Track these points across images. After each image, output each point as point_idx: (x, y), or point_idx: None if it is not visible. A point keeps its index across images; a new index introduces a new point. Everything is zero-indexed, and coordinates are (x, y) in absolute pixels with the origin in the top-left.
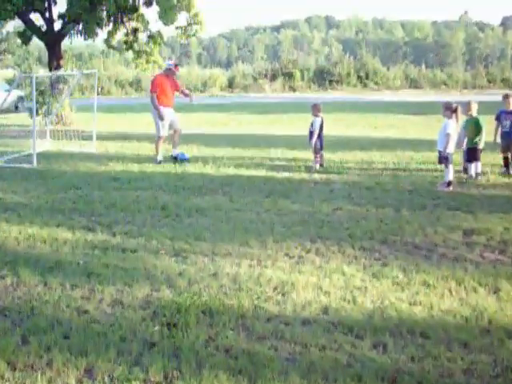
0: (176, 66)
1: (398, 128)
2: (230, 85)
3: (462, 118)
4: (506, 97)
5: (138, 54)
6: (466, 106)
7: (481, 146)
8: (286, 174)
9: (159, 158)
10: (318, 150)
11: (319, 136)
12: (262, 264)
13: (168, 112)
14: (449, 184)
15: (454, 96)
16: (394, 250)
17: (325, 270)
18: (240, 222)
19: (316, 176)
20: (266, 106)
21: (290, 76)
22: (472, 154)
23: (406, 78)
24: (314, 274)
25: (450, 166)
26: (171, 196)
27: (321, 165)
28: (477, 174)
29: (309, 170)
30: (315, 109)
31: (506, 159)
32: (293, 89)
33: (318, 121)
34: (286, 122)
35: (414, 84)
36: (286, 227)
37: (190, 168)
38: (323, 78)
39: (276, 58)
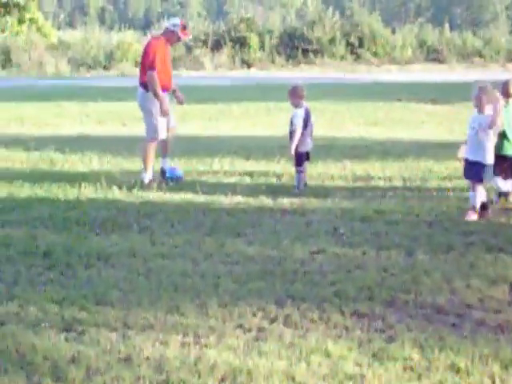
0: (184, 27)
1: (409, 124)
2: None
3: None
4: None
5: (6, 8)
6: (503, 87)
7: None
8: (237, 199)
9: (148, 175)
10: (301, 160)
11: (303, 136)
12: (201, 342)
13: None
14: (483, 208)
15: (494, 72)
16: (406, 315)
17: (299, 349)
18: (167, 276)
19: (285, 202)
20: (206, 90)
21: (242, 44)
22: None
23: (420, 46)
24: (283, 355)
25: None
26: (59, 235)
27: (304, 183)
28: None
29: (276, 192)
30: (295, 95)
31: None
32: (247, 63)
33: (299, 114)
34: (237, 115)
35: (432, 55)
36: (239, 282)
37: (87, 191)
38: (294, 46)
39: (221, 15)
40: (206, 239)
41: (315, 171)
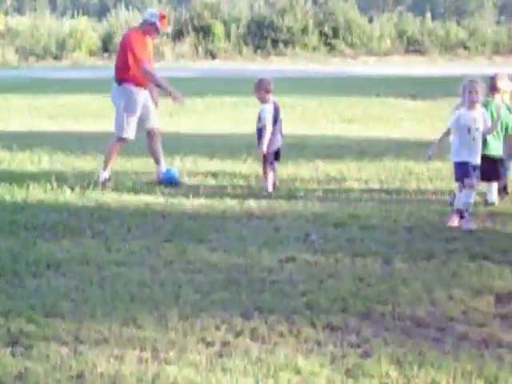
0: (163, 17)
1: (387, 121)
2: (106, 47)
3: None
4: None
5: None
6: (491, 81)
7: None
8: (200, 202)
9: (105, 174)
10: (270, 160)
11: (273, 134)
12: (159, 357)
13: (143, 97)
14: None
15: (479, 65)
16: (383, 328)
17: (266, 364)
18: (123, 285)
19: (252, 205)
20: (167, 82)
21: (206, 32)
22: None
23: (399, 37)
24: (249, 372)
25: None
26: (5, 240)
27: (273, 185)
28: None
29: (243, 194)
30: (261, 89)
31: None
32: (212, 54)
33: (268, 109)
34: (200, 110)
35: (412, 46)
36: (201, 293)
37: (36, 192)
38: (262, 36)
39: (183, 0)
40: (166, 245)
41: (285, 172)
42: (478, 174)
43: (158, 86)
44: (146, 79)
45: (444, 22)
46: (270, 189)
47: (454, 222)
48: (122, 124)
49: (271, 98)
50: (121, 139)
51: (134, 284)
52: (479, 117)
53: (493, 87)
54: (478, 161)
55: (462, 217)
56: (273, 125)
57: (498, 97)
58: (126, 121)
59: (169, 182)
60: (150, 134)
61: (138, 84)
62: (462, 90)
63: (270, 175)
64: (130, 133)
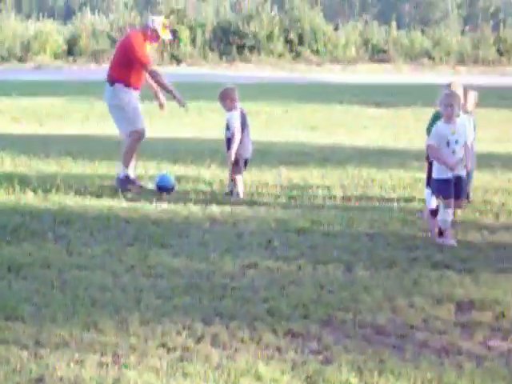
0: (165, 25)
1: (351, 129)
2: (71, 50)
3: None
4: None
5: None
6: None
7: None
8: (162, 207)
9: (128, 170)
10: (240, 167)
11: (243, 141)
12: (120, 362)
13: (135, 98)
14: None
15: (443, 74)
16: (344, 336)
17: (227, 370)
18: (84, 289)
19: (215, 210)
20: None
21: (172, 37)
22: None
23: (365, 44)
24: (209, 378)
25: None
26: None
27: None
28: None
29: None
30: (226, 98)
31: None
32: (176, 59)
33: (235, 117)
34: (164, 115)
35: (378, 55)
36: (163, 298)
37: None
38: (228, 41)
39: (149, 5)
40: (128, 250)
41: (248, 178)
42: (464, 188)
43: (164, 88)
44: (138, 82)
45: (409, 31)
46: (242, 195)
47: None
48: (129, 119)
49: (238, 105)
50: (135, 133)
51: (96, 288)
52: (458, 129)
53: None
54: (461, 173)
55: (440, 233)
56: (241, 132)
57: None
58: (132, 114)
59: (163, 188)
60: None
61: (130, 85)
62: (439, 103)
63: (241, 182)
64: (142, 123)
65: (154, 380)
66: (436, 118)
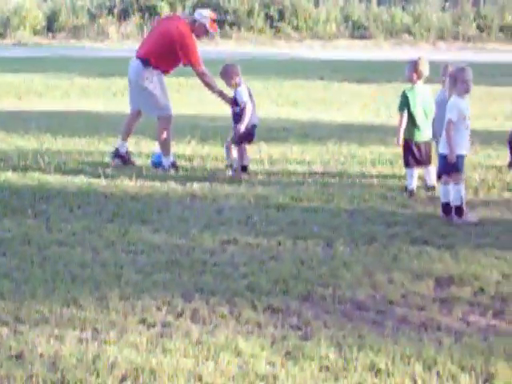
0: (214, 20)
1: (332, 105)
2: (50, 26)
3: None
4: None
5: None
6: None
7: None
8: (143, 183)
9: (171, 158)
10: (242, 142)
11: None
12: (100, 338)
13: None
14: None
15: (423, 50)
16: (323, 311)
17: (207, 346)
18: (64, 265)
19: (195, 186)
20: (112, 63)
21: (152, 13)
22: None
23: (345, 21)
24: (189, 353)
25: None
26: None
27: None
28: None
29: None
30: (229, 76)
31: None
32: None
33: (243, 91)
34: None
35: (358, 31)
36: (143, 273)
37: None
38: None
39: None
40: (108, 226)
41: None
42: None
43: (211, 89)
44: (173, 68)
45: (389, 7)
46: (247, 163)
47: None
48: (159, 103)
49: (241, 80)
50: (166, 118)
51: (76, 264)
52: (468, 105)
53: (417, 72)
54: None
55: (458, 211)
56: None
57: (420, 82)
58: (163, 98)
59: (158, 165)
60: (138, 114)
61: (164, 71)
62: (454, 78)
63: (244, 156)
64: (170, 108)
65: (134, 356)
66: (405, 96)
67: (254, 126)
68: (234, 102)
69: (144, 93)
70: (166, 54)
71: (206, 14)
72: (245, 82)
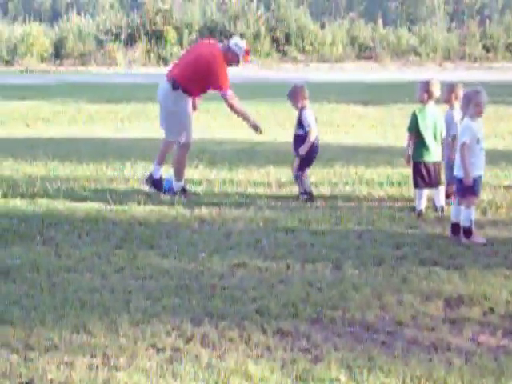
0: (247, 52)
1: (338, 127)
2: (58, 53)
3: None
4: None
5: None
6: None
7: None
8: (151, 208)
9: (182, 182)
10: (303, 169)
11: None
12: (110, 363)
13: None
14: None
15: (429, 71)
16: (333, 334)
17: (217, 370)
18: (73, 291)
19: (203, 211)
20: (119, 88)
21: (158, 38)
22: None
23: (351, 43)
24: (199, 378)
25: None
26: None
27: (306, 194)
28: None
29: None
30: (298, 95)
31: None
32: (164, 60)
33: (309, 115)
34: (152, 117)
35: (364, 52)
36: (152, 298)
37: None
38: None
39: (135, 6)
40: (116, 251)
41: (236, 177)
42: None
43: (241, 116)
44: (201, 94)
45: (395, 28)
46: (309, 189)
47: (479, 238)
48: (182, 128)
49: (307, 103)
50: (186, 145)
51: (85, 290)
52: (481, 127)
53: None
54: (481, 172)
55: (467, 232)
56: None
57: (432, 103)
58: (187, 124)
59: (168, 191)
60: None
61: (192, 95)
62: (468, 100)
63: (307, 179)
64: (189, 137)
65: (144, 381)
66: (415, 117)
67: (316, 152)
68: (299, 125)
69: (170, 117)
70: (197, 78)
71: (241, 45)
72: (310, 107)
